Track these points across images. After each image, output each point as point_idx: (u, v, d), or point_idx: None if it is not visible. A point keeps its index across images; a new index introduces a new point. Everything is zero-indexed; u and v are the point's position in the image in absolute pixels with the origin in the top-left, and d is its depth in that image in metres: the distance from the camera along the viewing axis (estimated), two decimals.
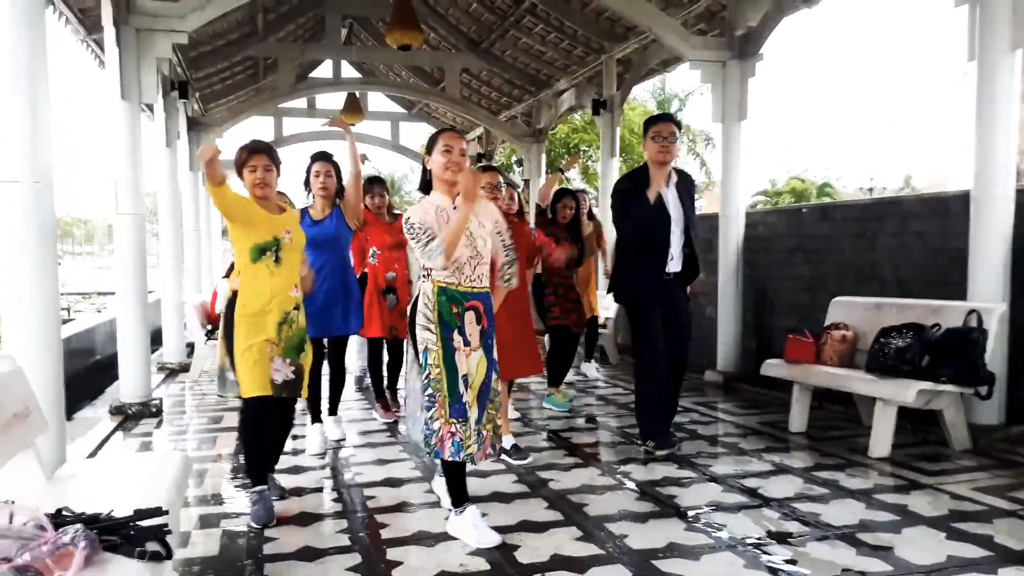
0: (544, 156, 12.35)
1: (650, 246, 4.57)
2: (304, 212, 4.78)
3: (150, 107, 9.00)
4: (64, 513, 2.07)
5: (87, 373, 9.44)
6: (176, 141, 9.22)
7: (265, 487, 3.62)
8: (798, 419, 5.14)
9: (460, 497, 3.33)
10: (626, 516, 3.54)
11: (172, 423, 5.83)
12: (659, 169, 4.57)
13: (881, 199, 5.95)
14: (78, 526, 1.92)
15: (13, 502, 1.98)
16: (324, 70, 13.86)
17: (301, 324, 3.64)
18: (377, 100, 15.76)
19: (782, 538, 3.24)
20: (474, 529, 3.24)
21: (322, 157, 4.90)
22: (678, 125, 4.67)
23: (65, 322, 9.04)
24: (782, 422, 5.30)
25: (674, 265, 4.62)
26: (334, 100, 14.25)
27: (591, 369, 7.54)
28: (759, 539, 3.23)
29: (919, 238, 5.39)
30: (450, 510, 3.37)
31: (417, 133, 21.89)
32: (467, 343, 3.27)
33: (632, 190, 4.60)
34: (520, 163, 18.27)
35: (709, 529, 3.36)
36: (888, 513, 3.52)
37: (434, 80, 13.49)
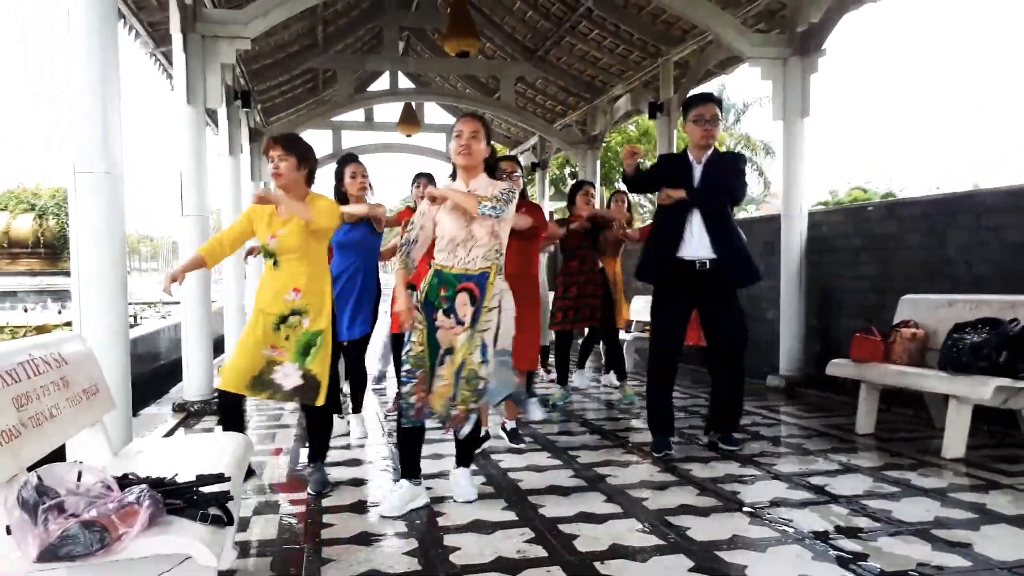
0: (598, 163, 12.29)
1: (667, 227, 4.47)
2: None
3: (214, 116, 9.28)
4: (130, 477, 2.10)
5: (152, 376, 9.69)
6: (239, 151, 9.46)
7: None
8: (865, 420, 4.96)
9: (408, 471, 3.55)
10: (687, 510, 3.44)
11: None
12: (701, 153, 4.47)
13: (953, 194, 5.72)
14: (143, 487, 1.94)
15: (82, 462, 2.01)
16: (381, 83, 14.11)
17: (309, 328, 3.59)
18: (432, 112, 15.95)
19: (851, 533, 3.11)
20: (395, 497, 3.47)
21: (353, 159, 5.00)
22: (719, 105, 4.53)
23: (132, 327, 9.32)
24: (848, 425, 5.13)
25: (694, 251, 4.37)
26: (391, 112, 14.43)
27: (581, 378, 7.24)
28: (827, 533, 3.11)
29: (996, 233, 5.16)
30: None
31: None
32: (460, 323, 3.39)
33: (671, 166, 4.60)
34: (575, 175, 18.26)
35: (774, 523, 3.24)
36: (965, 511, 3.35)
37: (489, 90, 13.57)
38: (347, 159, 5.02)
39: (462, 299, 3.38)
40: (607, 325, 6.36)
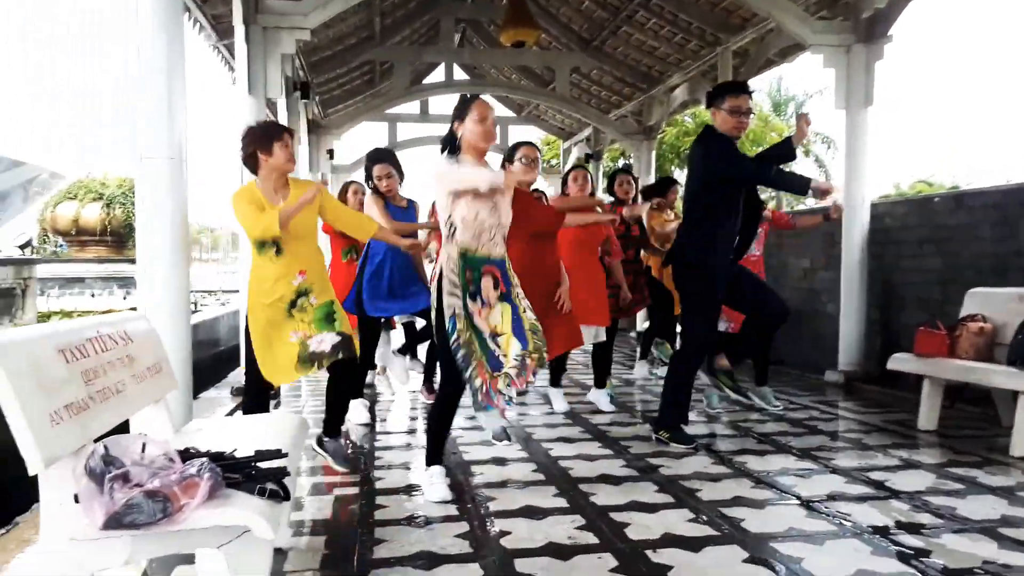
0: (653, 155, 12.17)
1: (730, 216, 4.34)
2: (384, 198, 4.97)
3: (274, 108, 9.44)
4: (191, 451, 2.15)
5: (211, 362, 9.95)
6: (298, 142, 9.62)
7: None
8: (928, 417, 4.81)
9: (433, 458, 3.54)
10: (742, 502, 3.39)
11: (289, 404, 6.04)
12: None
13: (1023, 184, 5.50)
14: (204, 460, 1.99)
15: (146, 435, 2.07)
16: (436, 75, 14.19)
17: (316, 304, 3.65)
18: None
19: (913, 529, 3.02)
20: (430, 485, 3.47)
21: (380, 158, 4.99)
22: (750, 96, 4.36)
23: (192, 314, 9.58)
24: (910, 421, 4.98)
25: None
26: (446, 104, 14.50)
27: (641, 369, 7.03)
28: (887, 528, 3.03)
29: None
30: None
31: (526, 136, 22.08)
32: (485, 304, 3.37)
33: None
34: (629, 167, 18.10)
35: (832, 517, 3.17)
36: None
37: (543, 81, 13.54)
38: (372, 157, 5.03)
39: (487, 283, 3.38)
40: (663, 314, 6.31)
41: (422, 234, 5.36)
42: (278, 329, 3.61)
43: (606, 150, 14.97)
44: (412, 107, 14.24)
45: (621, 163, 20.56)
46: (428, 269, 5.39)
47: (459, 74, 14.02)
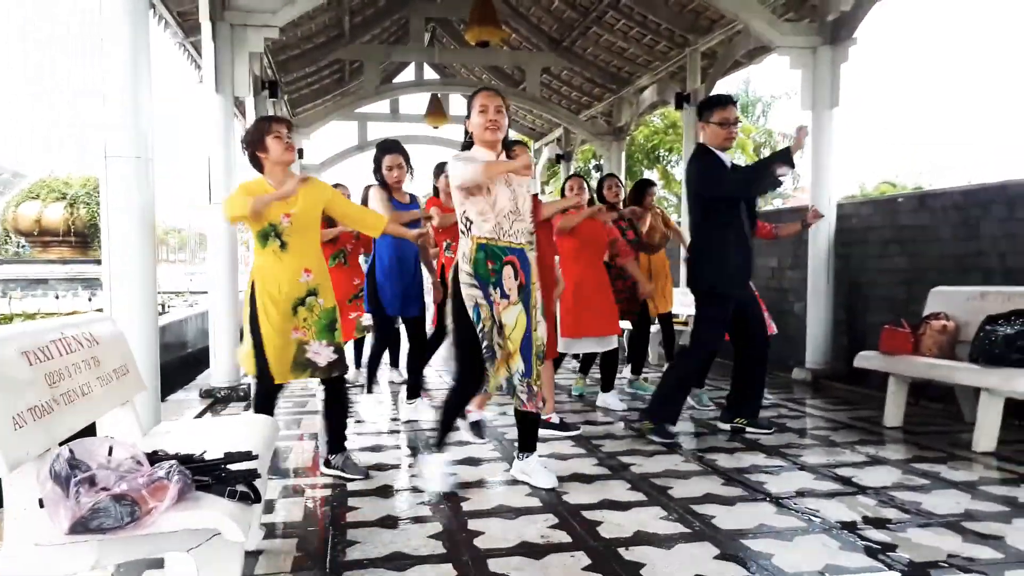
0: (623, 155, 12.24)
1: (737, 227, 4.45)
2: (387, 190, 4.97)
3: (241, 107, 9.34)
4: (159, 453, 2.12)
5: (179, 364, 9.81)
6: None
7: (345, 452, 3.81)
8: (893, 413, 4.90)
9: (443, 440, 3.74)
10: (712, 499, 3.42)
11: None
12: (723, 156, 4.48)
13: (986, 184, 5.61)
14: (172, 462, 1.96)
15: (113, 438, 2.03)
16: (406, 75, 14.13)
17: (324, 306, 3.61)
18: (458, 104, 15.93)
19: (880, 523, 3.07)
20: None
21: (391, 148, 4.99)
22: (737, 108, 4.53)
23: (160, 315, 9.44)
24: (876, 418, 5.07)
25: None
26: (416, 104, 14.48)
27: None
28: (855, 524, 3.08)
29: None
30: (517, 456, 3.71)
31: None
32: (505, 295, 3.38)
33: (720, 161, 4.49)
34: (599, 167, 18.19)
35: (801, 513, 3.21)
36: (996, 504, 3.30)
37: (514, 81, 13.55)
38: (383, 147, 5.03)
39: (507, 272, 3.39)
40: (641, 319, 6.32)
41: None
42: (281, 328, 3.52)
43: (577, 151, 15.03)
44: (382, 106, 14.15)
45: (593, 164, 20.66)
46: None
47: (429, 73, 13.97)
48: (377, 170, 5.00)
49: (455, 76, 15.01)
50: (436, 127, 14.31)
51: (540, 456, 3.79)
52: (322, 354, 3.59)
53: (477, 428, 4.55)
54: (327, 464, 3.86)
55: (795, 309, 7.26)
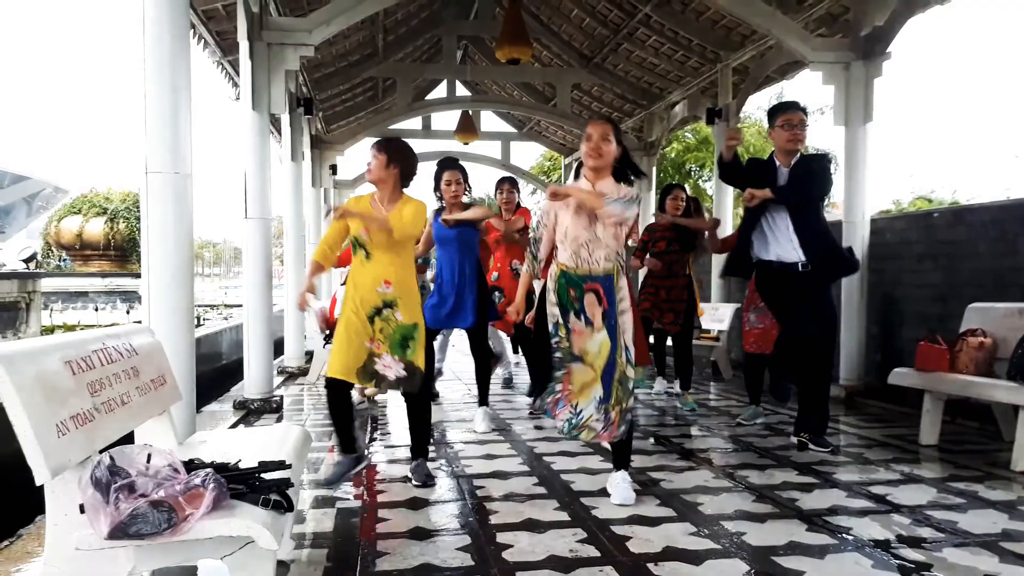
0: (655, 170, 12.22)
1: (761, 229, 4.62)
2: (437, 214, 5.08)
3: (277, 124, 9.52)
4: (195, 462, 2.17)
5: (214, 376, 9.96)
6: (301, 157, 9.68)
7: (350, 456, 3.85)
8: (929, 431, 4.82)
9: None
10: (743, 516, 3.39)
11: (291, 418, 6.05)
12: (787, 157, 4.61)
13: (1021, 200, 5.53)
14: (208, 470, 2.01)
15: (151, 445, 2.09)
16: (439, 91, 14.29)
17: (401, 321, 3.70)
18: (488, 121, 16.07)
19: (914, 543, 3.02)
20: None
21: (451, 165, 5.11)
22: (806, 113, 4.65)
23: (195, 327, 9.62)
24: (911, 435, 4.99)
25: (782, 254, 4.55)
26: (448, 120, 14.60)
27: (660, 384, 7.01)
28: (888, 542, 3.03)
29: None
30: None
31: (527, 152, 22.20)
32: (589, 323, 3.46)
33: (759, 168, 4.70)
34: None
35: (833, 531, 3.18)
36: None
37: (545, 97, 13.62)
38: (444, 164, 5.15)
39: (590, 299, 3.48)
40: (685, 332, 6.28)
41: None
42: (357, 331, 3.68)
43: None
44: (414, 123, 14.31)
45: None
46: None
47: (461, 90, 14.11)
48: (437, 188, 5.12)
49: (487, 92, 15.14)
50: (467, 143, 14.43)
51: (625, 472, 3.71)
52: (392, 368, 3.70)
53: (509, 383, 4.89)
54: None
55: None
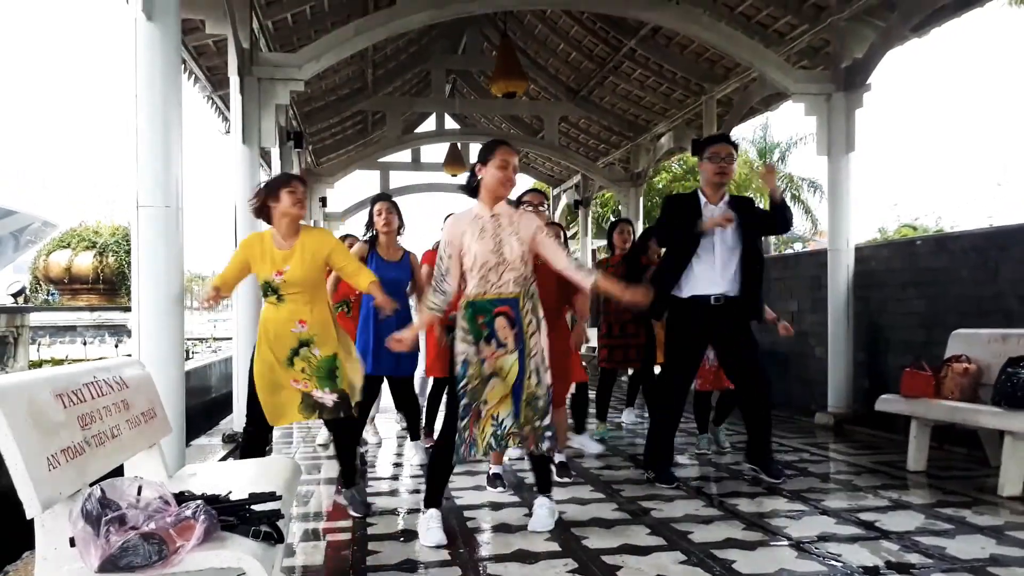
0: (641, 200, 12.35)
1: (674, 266, 4.51)
2: (373, 248, 4.94)
3: (267, 157, 9.58)
4: (185, 494, 2.17)
5: (203, 409, 9.90)
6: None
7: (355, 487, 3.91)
8: (916, 457, 4.84)
9: (432, 500, 3.53)
10: (733, 544, 3.40)
11: (280, 451, 6.02)
12: (714, 191, 4.55)
13: (1005, 227, 5.62)
14: (199, 502, 2.01)
15: (142, 478, 2.09)
16: (428, 124, 14.42)
17: (322, 355, 3.70)
18: (476, 152, 16.15)
19: (903, 569, 3.04)
20: (426, 529, 3.45)
21: (383, 198, 5.15)
22: (735, 147, 4.61)
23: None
24: (899, 462, 5.01)
25: (718, 287, 4.44)
26: (437, 152, 14.74)
27: (629, 415, 7.10)
28: (877, 569, 3.05)
29: None
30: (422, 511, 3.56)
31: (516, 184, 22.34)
32: (501, 344, 3.41)
33: (680, 208, 4.60)
34: (617, 213, 18.32)
35: (823, 558, 3.19)
36: (1022, 550, 3.26)
37: (533, 130, 13.77)
38: (377, 198, 5.17)
39: (500, 322, 3.42)
40: (647, 365, 6.30)
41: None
42: (280, 375, 3.68)
43: (595, 196, 15.17)
44: (404, 155, 14.43)
45: (611, 211, 20.81)
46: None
47: (450, 123, 14.25)
48: (370, 224, 5.05)
49: (475, 125, 15.29)
50: (455, 175, 14.55)
51: (556, 500, 3.79)
52: (327, 398, 3.71)
53: (563, 469, 4.68)
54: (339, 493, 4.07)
55: (816, 352, 7.22)
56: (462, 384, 3.41)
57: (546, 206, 4.71)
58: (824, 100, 6.78)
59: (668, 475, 4.56)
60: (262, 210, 3.74)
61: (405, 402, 5.26)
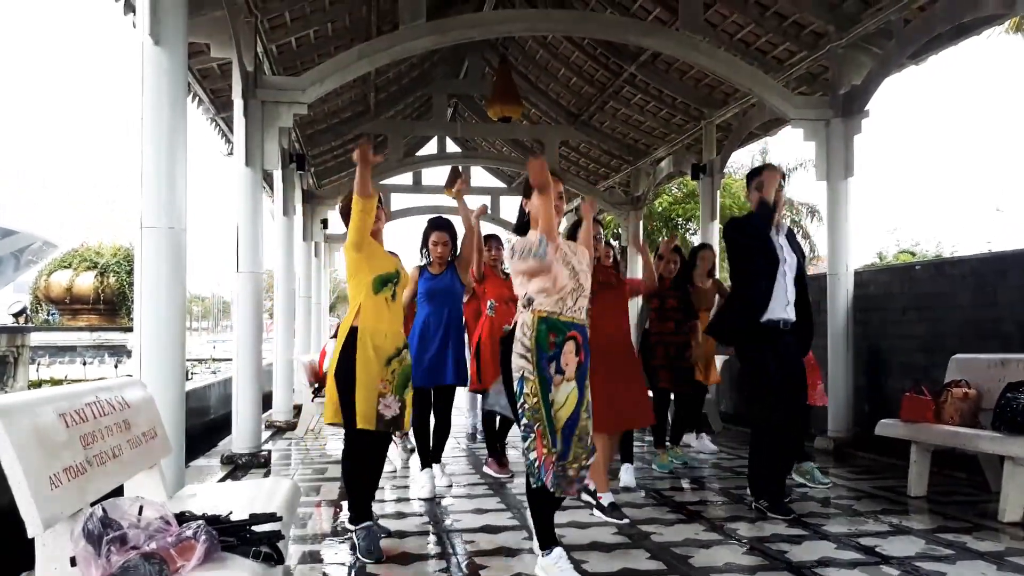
0: (641, 223, 12.41)
1: (762, 290, 4.43)
2: (424, 268, 5.10)
3: (269, 179, 9.64)
4: (186, 514, 2.18)
5: (202, 430, 9.87)
6: (292, 212, 9.79)
7: (371, 523, 3.69)
8: (917, 482, 4.83)
9: (547, 539, 3.26)
10: (733, 568, 3.40)
11: (279, 472, 6.01)
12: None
13: (1003, 252, 5.66)
14: (200, 522, 2.02)
15: (143, 497, 2.10)
16: (429, 147, 14.51)
17: (407, 362, 3.78)
18: (477, 176, 16.31)
19: None
20: (559, 571, 3.16)
21: (440, 226, 5.09)
22: (784, 176, 4.70)
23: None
24: (899, 487, 5.00)
25: (787, 312, 4.43)
26: (438, 175, 14.81)
27: (695, 439, 6.91)
28: None
29: None
30: (538, 553, 3.29)
31: (516, 207, 22.43)
32: (560, 371, 3.21)
33: (751, 231, 4.52)
34: (618, 236, 18.39)
35: None
36: None
37: (533, 153, 13.85)
38: (434, 224, 5.13)
39: (569, 347, 3.25)
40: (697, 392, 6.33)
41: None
42: (376, 375, 3.61)
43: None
44: (405, 178, 14.49)
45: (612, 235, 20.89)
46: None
47: (451, 146, 14.34)
48: (424, 246, 5.12)
49: (476, 148, 15.39)
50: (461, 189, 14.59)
51: (556, 524, 3.58)
52: (391, 407, 3.65)
53: (614, 510, 4.31)
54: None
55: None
56: (520, 403, 3.21)
57: (601, 236, 4.76)
58: (823, 126, 6.84)
59: (783, 506, 4.34)
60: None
61: (442, 415, 5.14)
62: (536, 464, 3.13)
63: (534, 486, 3.19)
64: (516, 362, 3.23)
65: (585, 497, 4.40)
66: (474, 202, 5.17)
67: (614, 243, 11.14)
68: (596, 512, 4.33)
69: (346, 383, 3.57)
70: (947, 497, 4.77)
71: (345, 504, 4.40)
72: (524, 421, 3.18)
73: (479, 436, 7.31)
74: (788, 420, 4.44)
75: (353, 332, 3.61)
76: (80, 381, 10.75)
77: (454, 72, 12.40)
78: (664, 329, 5.91)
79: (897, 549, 3.65)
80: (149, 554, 1.88)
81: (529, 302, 3.29)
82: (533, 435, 3.15)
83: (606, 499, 4.36)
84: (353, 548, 3.65)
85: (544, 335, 3.22)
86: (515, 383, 3.23)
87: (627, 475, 5.22)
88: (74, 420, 2.24)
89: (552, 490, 3.14)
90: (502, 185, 16.62)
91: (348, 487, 3.85)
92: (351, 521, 3.72)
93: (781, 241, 4.51)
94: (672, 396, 6.34)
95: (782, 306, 4.43)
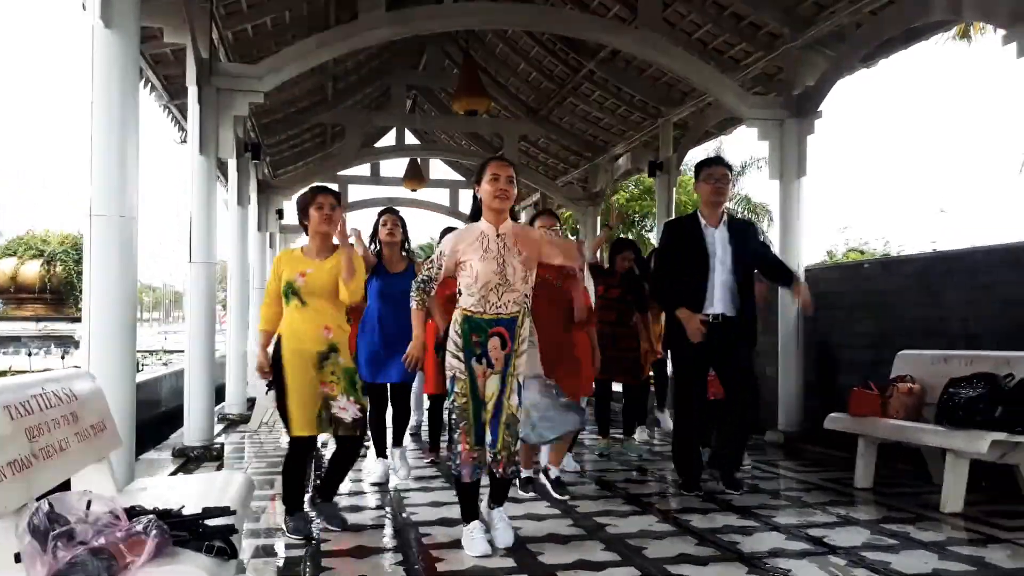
0: (599, 220, 12.49)
1: (687, 287, 4.61)
2: (379, 263, 5.07)
3: (224, 168, 9.47)
4: (136, 508, 2.14)
5: (152, 422, 9.68)
6: (247, 202, 9.64)
7: (300, 513, 3.81)
8: (864, 475, 4.96)
9: (468, 515, 3.60)
10: (686, 559, 3.44)
11: (231, 466, 5.92)
12: (712, 211, 4.71)
13: (948, 251, 5.84)
14: (151, 516, 1.98)
15: (91, 491, 2.05)
16: (387, 139, 14.41)
17: (345, 365, 3.76)
18: (436, 168, 16.22)
19: None
20: (471, 539, 3.49)
21: (390, 211, 5.27)
22: (730, 169, 4.84)
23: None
24: (847, 479, 5.13)
25: (716, 307, 4.59)
26: (397, 167, 14.72)
27: (665, 418, 7.29)
28: None
29: (989, 291, 5.25)
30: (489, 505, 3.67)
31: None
32: (490, 365, 3.46)
33: (681, 231, 4.78)
34: (576, 232, 18.48)
35: (773, 573, 3.25)
36: (964, 564, 3.36)
37: (493, 148, 13.84)
38: (384, 211, 5.28)
39: (494, 343, 3.45)
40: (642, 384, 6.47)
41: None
42: (310, 380, 3.67)
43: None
44: (363, 169, 14.37)
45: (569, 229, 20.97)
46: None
47: (410, 138, 14.26)
48: (374, 235, 5.15)
49: (435, 141, 15.32)
50: (414, 190, 14.54)
51: (511, 516, 3.82)
52: (348, 410, 3.71)
53: (559, 485, 4.67)
54: (311, 503, 4.00)
55: (767, 372, 7.35)
56: (449, 401, 3.49)
57: (558, 228, 4.82)
58: (777, 125, 6.96)
59: (694, 484, 4.71)
60: (303, 228, 3.87)
61: (401, 407, 5.28)
62: (458, 460, 3.48)
63: (453, 473, 3.56)
64: (449, 360, 3.49)
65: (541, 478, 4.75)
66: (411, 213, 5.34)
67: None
68: (541, 477, 4.74)
69: (279, 391, 3.70)
70: (892, 489, 4.90)
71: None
72: (454, 416, 3.47)
73: (423, 434, 7.30)
74: (705, 407, 4.85)
75: (279, 340, 3.73)
76: (25, 372, 10.45)
77: (413, 63, 12.32)
78: (604, 318, 5.98)
79: (844, 539, 3.74)
80: (97, 549, 1.84)
81: (459, 295, 3.51)
82: (459, 431, 3.47)
83: (553, 472, 4.71)
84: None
85: (466, 335, 3.45)
86: (447, 381, 3.51)
87: (568, 459, 5.41)
88: (19, 412, 2.18)
89: (466, 481, 3.52)
90: (461, 179, 16.57)
91: (284, 485, 3.90)
92: (285, 513, 3.84)
93: (718, 236, 4.64)
94: (621, 388, 6.55)
95: (709, 300, 4.59)
